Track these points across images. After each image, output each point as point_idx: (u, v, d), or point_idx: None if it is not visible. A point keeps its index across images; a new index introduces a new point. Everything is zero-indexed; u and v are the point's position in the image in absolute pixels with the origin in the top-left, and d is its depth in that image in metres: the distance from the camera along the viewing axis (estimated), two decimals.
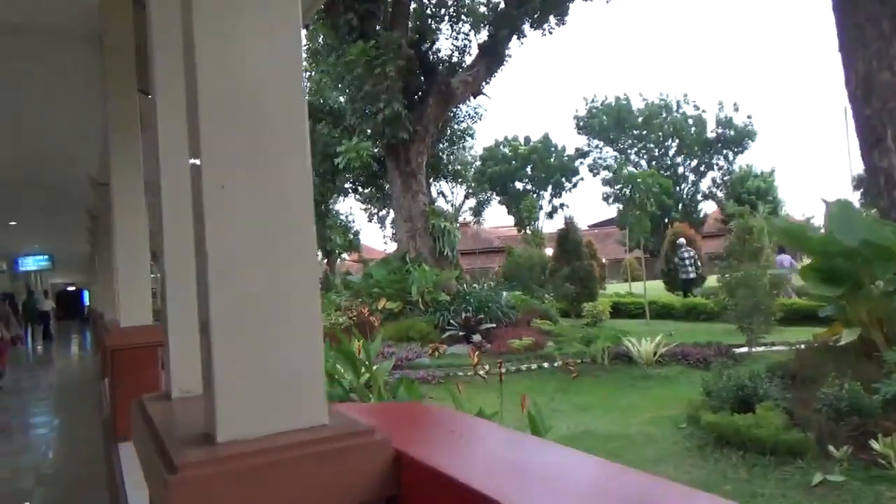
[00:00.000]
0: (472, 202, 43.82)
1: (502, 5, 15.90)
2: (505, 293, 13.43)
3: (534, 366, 9.82)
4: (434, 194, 25.55)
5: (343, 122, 16.86)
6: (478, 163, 42.08)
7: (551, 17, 16.26)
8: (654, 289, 17.46)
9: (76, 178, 7.11)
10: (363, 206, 29.84)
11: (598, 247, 25.46)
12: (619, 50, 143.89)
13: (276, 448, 0.80)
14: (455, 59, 16.60)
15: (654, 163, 42.20)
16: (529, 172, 44.14)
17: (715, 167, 43.47)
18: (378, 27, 14.32)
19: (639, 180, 14.93)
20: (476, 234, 39.62)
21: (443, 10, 17.00)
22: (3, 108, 4.86)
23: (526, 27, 16.04)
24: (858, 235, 5.77)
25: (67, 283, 35.59)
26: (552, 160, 44.03)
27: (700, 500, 0.63)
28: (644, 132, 43.91)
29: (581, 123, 44.90)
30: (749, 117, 42.23)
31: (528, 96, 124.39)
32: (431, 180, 20.68)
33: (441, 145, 20.68)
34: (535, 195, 43.71)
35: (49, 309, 22.94)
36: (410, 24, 15.66)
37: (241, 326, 0.84)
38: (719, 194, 43.52)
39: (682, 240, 18.02)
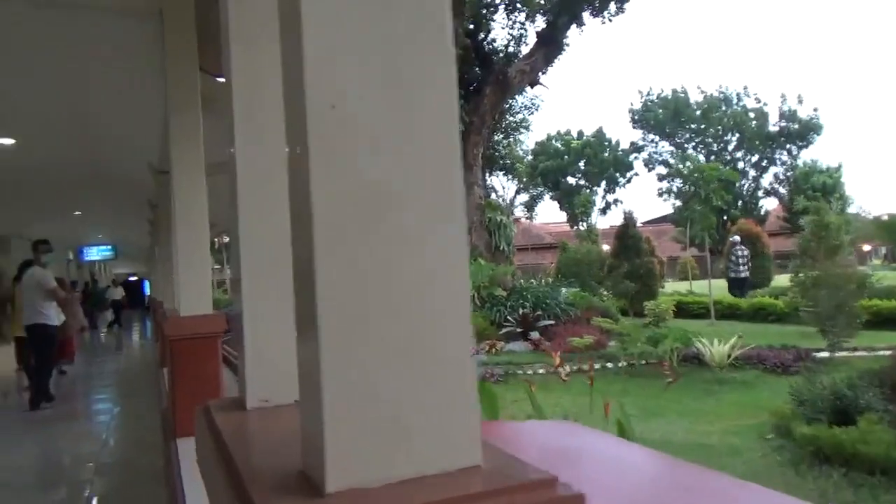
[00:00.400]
0: (523, 197, 43.28)
1: None
2: (563, 289, 13.01)
3: (597, 366, 9.40)
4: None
5: None
6: (529, 157, 41.54)
7: (612, 4, 15.71)
8: (717, 288, 16.72)
9: (137, 167, 7.08)
10: None
11: (656, 244, 24.64)
12: (676, 41, 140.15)
13: None
14: (511, 50, 16.22)
15: (712, 157, 40.81)
16: (582, 167, 43.37)
17: (777, 162, 41.89)
18: None
19: (704, 173, 14.22)
20: (527, 229, 39.06)
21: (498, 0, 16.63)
22: (66, 97, 4.79)
23: (585, 15, 15.53)
24: None
25: (129, 273, 36.74)
26: (606, 155, 43.15)
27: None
28: (702, 126, 42.64)
29: (636, 117, 43.90)
30: (815, 110, 40.43)
31: (580, 90, 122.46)
32: (487, 174, 20.34)
33: (496, 137, 20.31)
34: (587, 190, 42.90)
35: (119, 297, 23.78)
36: (466, 14, 15.36)
37: (362, 329, 0.56)
38: (781, 190, 41.89)
39: (737, 237, 17.24)
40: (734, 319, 14.44)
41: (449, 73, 0.60)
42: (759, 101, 41.96)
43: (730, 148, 42.80)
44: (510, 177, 29.35)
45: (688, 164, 14.67)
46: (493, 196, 33.80)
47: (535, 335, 11.11)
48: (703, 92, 43.38)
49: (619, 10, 16.05)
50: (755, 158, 42.27)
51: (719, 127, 42.72)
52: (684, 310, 15.21)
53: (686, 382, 8.04)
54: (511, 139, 23.11)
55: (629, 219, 16.95)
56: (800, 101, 40.96)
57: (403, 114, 0.58)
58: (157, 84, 4.07)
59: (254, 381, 0.96)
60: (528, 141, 40.09)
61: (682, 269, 30.32)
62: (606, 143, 43.63)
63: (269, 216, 0.98)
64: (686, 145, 43.55)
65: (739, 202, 40.01)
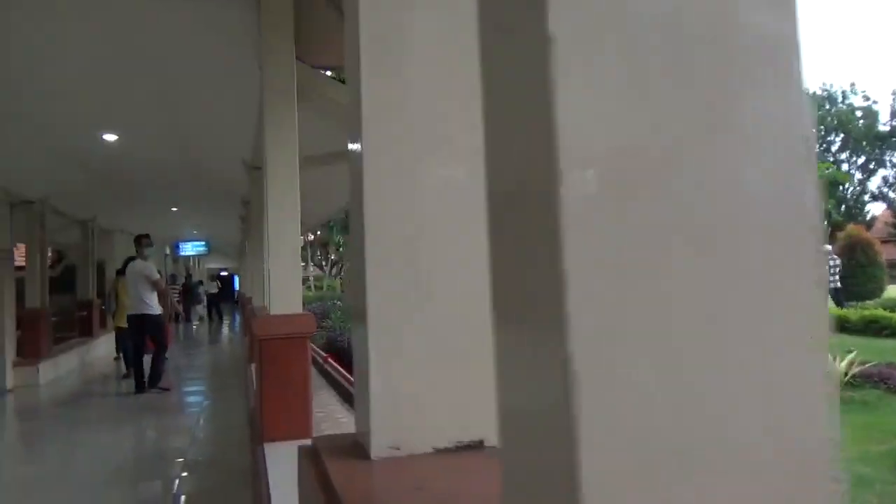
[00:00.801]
0: None
1: None
2: None
3: None
4: None
5: None
6: None
7: None
8: None
9: (231, 163, 7.18)
10: None
11: None
12: None
13: None
14: None
15: None
16: None
17: (887, 164, 38.88)
18: None
19: None
20: None
21: None
22: (163, 91, 4.83)
23: None
24: None
25: (220, 269, 38.37)
26: None
27: None
28: None
29: None
30: None
31: None
32: None
33: None
34: None
35: (216, 291, 24.90)
36: None
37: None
38: (892, 195, 38.90)
39: (829, 247, 16.08)
40: (842, 332, 13.34)
41: None
42: (868, 99, 39.09)
43: (833, 149, 40.07)
44: None
45: None
46: None
47: None
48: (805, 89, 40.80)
49: None
50: (861, 160, 39.42)
51: (822, 127, 40.11)
52: None
53: None
54: None
55: None
56: None
57: None
58: (253, 76, 4.00)
59: (382, 423, 0.72)
60: None
61: None
62: None
63: (408, 215, 0.75)
64: None
65: (842, 206, 37.41)
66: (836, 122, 39.53)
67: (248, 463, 4.46)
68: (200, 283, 24.05)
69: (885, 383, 7.63)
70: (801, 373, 0.34)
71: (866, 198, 39.68)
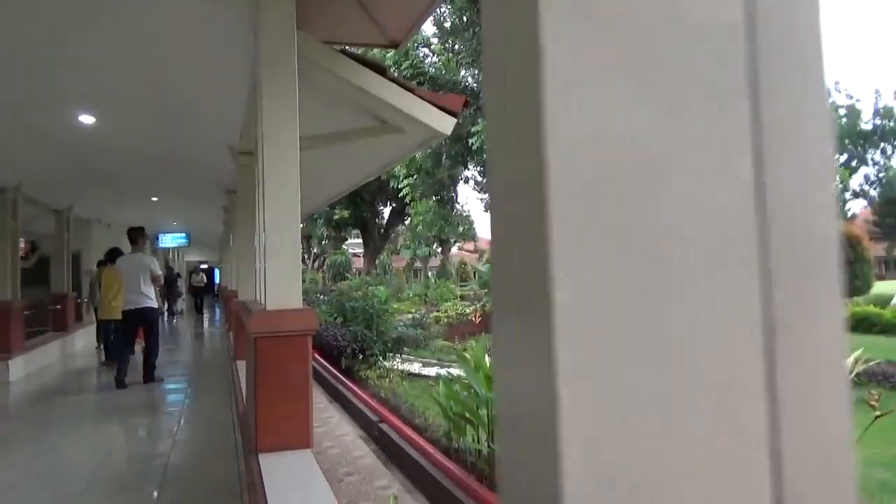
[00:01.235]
0: None
1: None
2: None
3: None
4: None
5: (477, 102, 16.01)
6: None
7: None
8: None
9: (215, 150, 6.80)
10: (480, 196, 29.08)
11: None
12: None
13: None
14: None
15: None
16: None
17: (869, 162, 39.27)
18: None
19: None
20: None
21: None
22: (145, 69, 4.45)
23: None
24: None
25: (201, 261, 37.67)
26: None
27: None
28: None
29: None
30: None
31: None
32: None
33: None
34: None
35: (201, 284, 24.43)
36: None
37: None
38: (872, 193, 39.30)
39: None
40: None
41: None
42: (851, 97, 39.46)
43: None
44: None
45: None
46: None
47: None
48: None
49: None
50: (844, 158, 39.80)
51: None
52: None
53: None
54: None
55: None
56: None
57: None
58: (245, 52, 3.65)
59: None
60: None
61: None
62: None
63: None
64: None
65: None
66: None
67: (235, 472, 4.13)
68: (178, 275, 23.53)
69: (890, 381, 7.50)
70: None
71: (847, 195, 40.11)
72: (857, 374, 7.47)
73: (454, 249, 40.71)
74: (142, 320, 8.10)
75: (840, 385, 0.39)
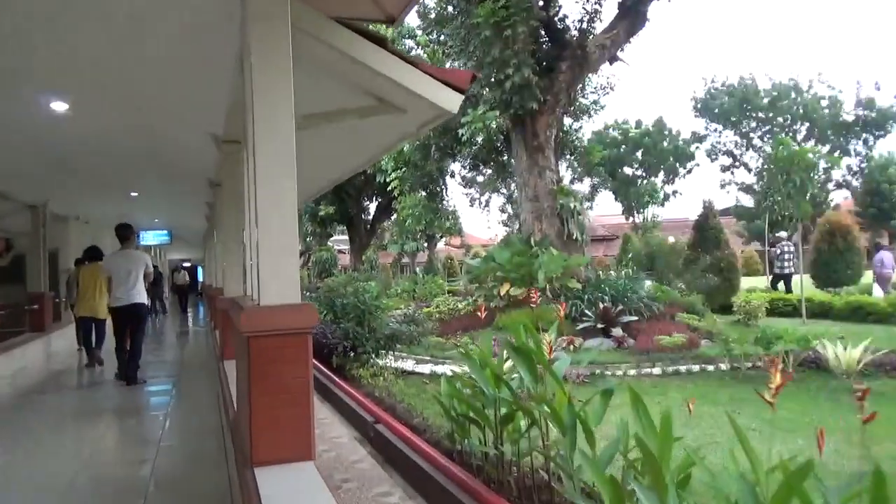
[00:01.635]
0: (580, 186, 42.10)
1: None
2: (647, 282, 12.00)
3: (695, 367, 8.43)
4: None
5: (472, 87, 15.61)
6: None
7: None
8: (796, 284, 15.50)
9: (197, 141, 6.44)
10: (465, 191, 28.72)
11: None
12: (744, 28, 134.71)
13: None
14: (584, 27, 15.10)
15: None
16: (640, 157, 41.73)
17: (852, 153, 39.50)
18: None
19: (800, 157, 12.91)
20: None
21: None
22: (121, 50, 4.11)
23: None
24: None
25: (183, 259, 37.03)
26: (665, 145, 41.41)
27: None
28: (770, 115, 40.50)
29: (699, 105, 41.91)
30: None
31: (640, 79, 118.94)
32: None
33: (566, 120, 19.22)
34: (645, 181, 41.27)
35: (185, 283, 24.00)
36: None
37: None
38: (854, 183, 39.53)
39: (784, 233, 16.99)
40: (826, 318, 13.21)
41: None
42: (833, 89, 39.64)
43: (799, 137, 40.58)
44: (575, 163, 27.59)
45: (781, 147, 13.28)
46: None
47: (617, 332, 10.16)
48: (771, 80, 41.25)
49: None
50: (826, 149, 40.00)
51: (788, 116, 40.62)
52: (768, 307, 14.02)
53: (809, 391, 7.03)
54: (582, 122, 21.80)
55: (709, 209, 15.73)
56: (877, 88, 38.62)
57: None
58: (229, 31, 3.33)
59: None
60: (596, 125, 38.39)
61: (745, 264, 28.86)
62: (666, 133, 41.93)
63: None
64: (752, 135, 41.57)
65: (807, 195, 37.93)
66: (801, 111, 40.01)
67: (226, 482, 3.82)
68: (161, 274, 23.09)
69: None
70: None
71: (830, 186, 40.34)
72: (865, 365, 7.34)
73: (440, 245, 40.45)
74: (132, 316, 7.92)
75: None
